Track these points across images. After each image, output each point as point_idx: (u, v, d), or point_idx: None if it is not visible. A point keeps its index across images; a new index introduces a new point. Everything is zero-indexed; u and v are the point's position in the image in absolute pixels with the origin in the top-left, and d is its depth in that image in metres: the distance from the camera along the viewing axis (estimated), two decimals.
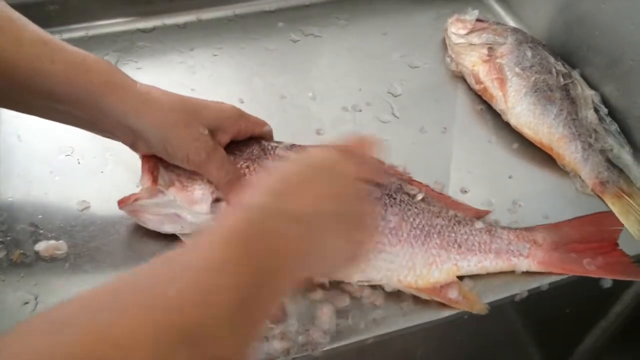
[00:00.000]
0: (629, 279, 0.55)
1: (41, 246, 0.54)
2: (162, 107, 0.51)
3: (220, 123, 0.54)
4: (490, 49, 0.74)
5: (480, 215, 0.59)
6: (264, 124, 0.59)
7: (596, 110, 0.69)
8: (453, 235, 0.54)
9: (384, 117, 0.71)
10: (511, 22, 0.85)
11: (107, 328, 0.27)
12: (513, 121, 0.69)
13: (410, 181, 0.59)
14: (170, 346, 0.28)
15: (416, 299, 0.53)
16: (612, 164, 0.66)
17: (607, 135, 0.67)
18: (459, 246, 0.54)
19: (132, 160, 0.56)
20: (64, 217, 0.57)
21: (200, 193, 0.53)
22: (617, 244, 0.55)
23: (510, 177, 0.66)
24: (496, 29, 0.76)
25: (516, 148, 0.69)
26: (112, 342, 0.27)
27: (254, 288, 0.34)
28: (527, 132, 0.68)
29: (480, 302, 0.52)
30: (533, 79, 0.70)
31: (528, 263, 0.54)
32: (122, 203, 0.53)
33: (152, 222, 0.54)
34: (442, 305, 0.53)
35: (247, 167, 0.55)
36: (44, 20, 0.69)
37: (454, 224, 0.55)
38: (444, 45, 0.80)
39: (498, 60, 0.73)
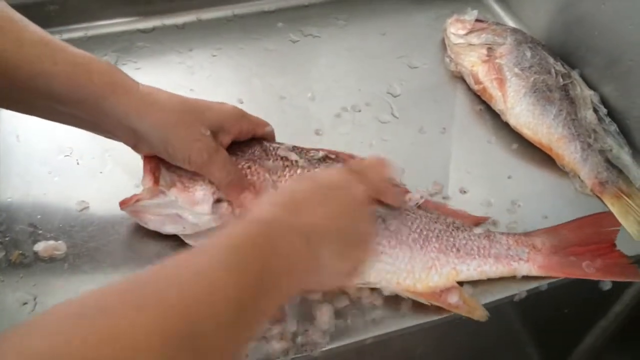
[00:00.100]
0: (628, 280, 0.55)
1: (40, 246, 0.54)
2: (164, 107, 0.51)
3: (222, 124, 0.54)
4: (489, 49, 0.74)
5: (478, 222, 0.59)
6: (265, 124, 0.59)
7: (595, 111, 0.69)
8: (452, 239, 0.54)
9: (383, 118, 0.71)
10: (510, 23, 0.86)
11: (115, 329, 0.28)
12: (512, 121, 0.69)
13: (405, 192, 0.59)
14: (177, 347, 0.28)
15: (415, 300, 0.53)
16: (612, 164, 0.66)
17: (606, 136, 0.67)
18: (458, 250, 0.54)
19: (131, 160, 0.56)
20: (63, 218, 0.57)
21: (202, 194, 0.53)
22: (614, 245, 0.55)
23: (509, 177, 0.66)
24: (495, 29, 0.76)
25: (515, 148, 0.69)
26: (120, 342, 0.27)
27: (256, 296, 0.34)
28: (527, 132, 0.68)
29: (480, 308, 0.52)
30: (532, 79, 0.70)
31: (528, 267, 0.54)
32: (123, 204, 0.53)
33: (154, 222, 0.54)
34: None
35: (249, 167, 0.55)
36: (44, 20, 0.69)
37: (453, 229, 0.55)
38: (443, 45, 0.80)
39: (497, 61, 0.73)
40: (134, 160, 0.56)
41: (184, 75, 0.74)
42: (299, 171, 0.56)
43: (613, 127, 0.69)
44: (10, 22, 0.47)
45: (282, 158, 0.56)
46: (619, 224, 0.60)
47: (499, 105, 0.71)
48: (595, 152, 0.65)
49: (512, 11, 0.87)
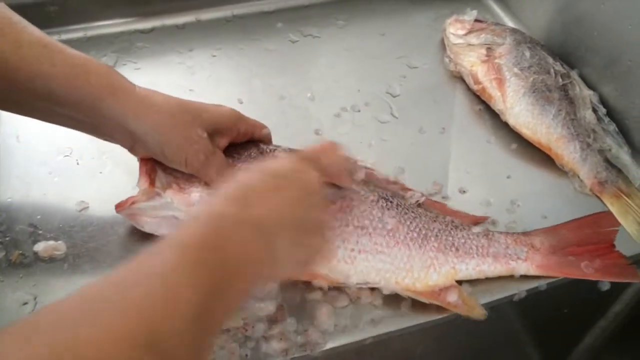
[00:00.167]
0: (626, 280, 0.55)
1: (40, 247, 0.54)
2: (161, 110, 0.51)
3: (218, 126, 0.54)
4: (488, 49, 0.74)
5: (477, 221, 0.59)
6: (262, 126, 0.59)
7: (594, 111, 0.70)
8: (450, 238, 0.54)
9: (383, 118, 0.71)
10: (510, 23, 0.86)
11: (71, 339, 0.27)
12: (511, 121, 0.69)
13: (404, 189, 0.59)
14: (133, 353, 0.28)
15: (415, 299, 0.53)
16: (611, 164, 0.66)
17: (605, 135, 0.67)
18: (457, 249, 0.54)
19: (130, 161, 0.56)
20: (62, 218, 0.57)
21: (198, 195, 0.53)
22: (613, 245, 0.55)
23: (508, 177, 0.66)
24: (495, 30, 0.77)
25: (515, 148, 0.69)
26: (76, 353, 0.27)
27: (215, 292, 0.34)
28: (526, 132, 0.68)
29: (479, 307, 0.52)
30: (531, 79, 0.70)
31: (526, 267, 0.54)
32: (119, 207, 0.54)
33: (150, 224, 0.54)
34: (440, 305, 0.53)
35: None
36: (43, 21, 0.70)
37: (451, 229, 0.55)
38: (443, 45, 0.80)
39: (496, 61, 0.73)
40: (134, 161, 0.56)
41: (183, 76, 0.74)
42: None
43: (612, 127, 0.69)
44: (9, 24, 0.47)
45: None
46: (618, 224, 0.60)
47: (498, 105, 0.71)
48: (594, 152, 0.65)
49: (512, 11, 0.87)
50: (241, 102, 0.70)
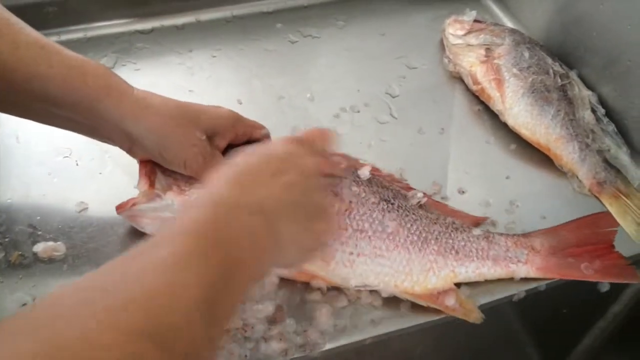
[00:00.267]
0: (626, 281, 0.55)
1: (39, 247, 0.54)
2: (159, 112, 0.51)
3: (217, 128, 0.54)
4: (487, 49, 0.74)
5: (478, 222, 0.59)
6: (261, 127, 0.59)
7: (593, 111, 0.70)
8: (450, 241, 0.54)
9: (382, 118, 0.71)
10: (509, 23, 0.86)
11: (73, 332, 0.27)
12: (510, 122, 0.69)
13: (408, 189, 0.58)
14: (138, 346, 0.28)
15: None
16: (610, 165, 0.66)
17: (604, 136, 0.68)
18: (457, 252, 0.54)
19: (130, 162, 0.56)
20: (62, 219, 0.57)
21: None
22: (613, 246, 0.55)
23: (507, 177, 0.66)
24: (494, 30, 0.77)
25: (514, 149, 0.69)
26: (79, 345, 0.26)
27: (220, 281, 0.34)
28: (525, 132, 0.68)
29: (476, 311, 0.52)
30: (530, 79, 0.70)
31: (526, 269, 0.54)
32: (120, 208, 0.53)
33: (150, 226, 0.54)
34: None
35: None
36: (43, 21, 0.70)
37: (452, 231, 0.55)
38: (442, 46, 0.80)
39: (496, 61, 0.73)
40: (133, 162, 0.56)
41: (183, 76, 0.74)
42: None
43: (611, 127, 0.69)
44: (6, 25, 0.47)
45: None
46: (617, 224, 0.60)
47: (497, 105, 0.71)
48: (593, 152, 0.66)
49: (511, 12, 0.87)
50: (241, 103, 0.71)
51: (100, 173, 0.62)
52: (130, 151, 0.54)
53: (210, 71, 0.75)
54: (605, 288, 0.55)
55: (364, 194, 0.54)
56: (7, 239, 0.55)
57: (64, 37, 0.76)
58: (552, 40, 0.78)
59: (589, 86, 0.73)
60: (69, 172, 0.62)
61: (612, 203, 0.63)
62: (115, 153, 0.56)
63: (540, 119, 0.68)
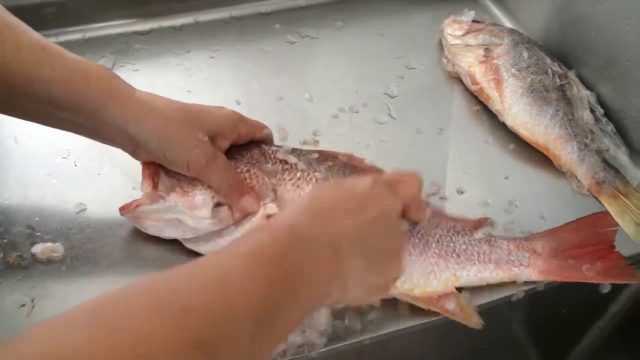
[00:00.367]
0: (626, 282, 0.54)
1: (38, 249, 0.54)
2: (162, 114, 0.51)
3: (220, 128, 0.54)
4: (486, 49, 0.74)
5: (479, 224, 0.58)
6: (263, 127, 0.59)
7: (592, 111, 0.70)
8: (452, 245, 0.54)
9: (381, 119, 0.71)
10: (507, 23, 0.86)
11: (124, 333, 0.27)
12: (509, 122, 0.69)
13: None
14: (193, 354, 0.28)
15: None
16: (608, 164, 0.66)
17: (603, 136, 0.68)
18: (458, 256, 0.54)
19: (128, 162, 0.56)
20: (60, 220, 0.57)
21: (201, 198, 0.53)
22: (613, 246, 0.55)
23: (506, 177, 0.66)
24: (492, 30, 0.77)
25: (512, 149, 0.69)
26: (127, 347, 0.27)
27: (279, 302, 0.34)
28: (524, 132, 0.68)
29: (476, 315, 0.51)
30: (529, 79, 0.70)
31: (529, 272, 0.54)
32: (123, 210, 0.53)
33: (154, 227, 0.54)
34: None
35: (248, 171, 0.55)
36: (41, 22, 0.70)
37: (453, 234, 0.55)
38: (441, 46, 0.81)
39: (494, 61, 0.73)
40: (132, 163, 0.55)
41: (181, 77, 0.74)
42: (298, 174, 0.55)
43: (610, 127, 0.69)
44: (9, 28, 0.47)
45: (281, 161, 0.56)
46: (617, 223, 0.59)
47: (496, 105, 0.71)
48: (592, 152, 0.66)
49: (509, 12, 0.87)
50: (239, 104, 0.70)
51: (99, 174, 0.62)
52: (134, 154, 0.54)
53: (208, 72, 0.75)
54: (606, 289, 0.55)
55: None
56: (5, 240, 0.55)
57: (62, 38, 0.76)
58: (550, 40, 0.78)
59: (587, 86, 0.73)
60: (67, 173, 0.62)
61: (611, 203, 0.63)
62: (114, 154, 0.56)
63: (539, 118, 0.68)
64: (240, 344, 0.31)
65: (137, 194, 0.55)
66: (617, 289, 0.62)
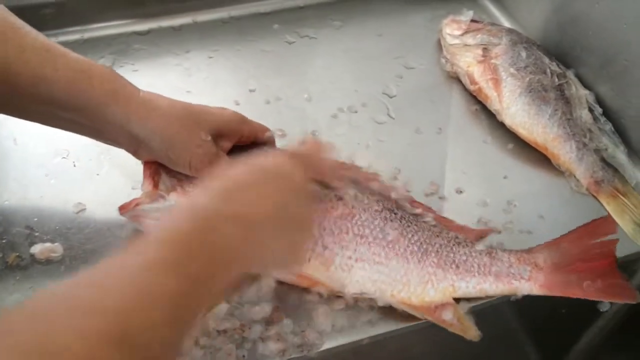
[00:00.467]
0: (625, 301, 0.54)
1: (37, 249, 0.54)
2: (165, 114, 0.51)
3: (222, 129, 0.54)
4: (485, 49, 0.74)
5: (482, 235, 0.58)
6: (265, 129, 0.59)
7: (591, 110, 0.70)
8: (451, 255, 0.54)
9: (380, 118, 0.71)
10: (506, 23, 0.86)
11: (41, 338, 0.27)
12: (508, 121, 0.69)
13: (412, 202, 0.58)
14: (103, 353, 0.27)
15: None
16: (607, 164, 0.66)
17: (601, 135, 0.68)
18: (457, 267, 0.53)
19: (127, 162, 0.56)
20: (59, 220, 0.57)
21: None
22: (615, 260, 0.54)
23: (505, 177, 0.66)
24: (491, 30, 0.77)
25: (511, 148, 0.69)
26: (43, 352, 0.26)
27: (193, 288, 0.34)
28: (522, 132, 0.68)
29: (473, 328, 0.51)
30: (528, 79, 0.70)
31: (529, 286, 0.53)
32: (123, 209, 0.53)
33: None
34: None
35: None
36: (40, 23, 0.69)
37: (453, 245, 0.54)
38: (439, 46, 0.81)
39: (493, 61, 0.73)
40: (131, 162, 0.56)
41: (180, 77, 0.74)
42: None
43: (608, 127, 0.69)
44: (12, 29, 0.47)
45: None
46: (616, 230, 0.57)
47: (494, 105, 0.71)
48: (590, 152, 0.66)
49: (508, 12, 0.88)
50: (238, 104, 0.71)
51: (98, 174, 0.62)
52: (136, 153, 0.54)
53: (207, 72, 0.75)
54: (605, 308, 0.55)
55: (367, 201, 0.54)
56: (4, 241, 0.55)
57: (61, 39, 0.76)
58: (549, 39, 0.79)
59: (586, 85, 0.73)
60: (66, 174, 0.62)
61: (610, 202, 0.63)
62: (113, 154, 0.57)
63: (537, 118, 0.68)
64: (159, 330, 0.31)
65: (137, 194, 0.55)
66: None
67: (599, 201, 0.64)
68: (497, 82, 0.71)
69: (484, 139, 0.70)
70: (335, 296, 0.53)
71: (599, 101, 0.71)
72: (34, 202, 0.59)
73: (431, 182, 0.63)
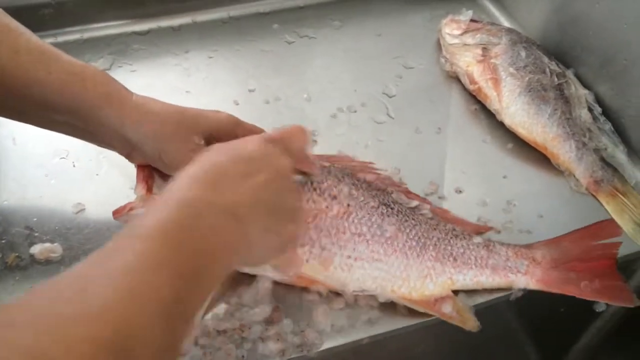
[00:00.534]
0: (621, 304, 0.54)
1: (36, 249, 0.54)
2: (158, 117, 0.51)
3: (216, 132, 0.54)
4: (484, 49, 0.74)
5: (480, 231, 0.58)
6: (260, 131, 0.58)
7: (590, 110, 0.70)
8: (449, 248, 0.54)
9: (379, 118, 0.71)
10: (505, 23, 0.86)
11: (24, 341, 0.26)
12: (507, 121, 0.69)
13: (408, 193, 0.58)
14: (108, 352, 0.27)
15: None
16: (606, 163, 0.66)
17: (601, 135, 0.68)
18: (455, 260, 0.53)
19: (126, 163, 0.56)
20: (59, 220, 0.57)
21: None
22: (616, 262, 0.54)
23: (504, 176, 0.66)
24: (490, 29, 0.77)
25: (511, 148, 0.69)
26: (48, 354, 0.25)
27: (186, 281, 0.33)
28: (522, 131, 0.68)
29: (472, 319, 0.51)
30: (527, 78, 0.70)
31: (526, 280, 0.53)
32: (117, 213, 0.53)
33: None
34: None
35: None
36: (39, 23, 0.70)
37: (451, 238, 0.54)
38: (439, 45, 0.81)
39: (492, 61, 0.73)
40: (130, 163, 0.56)
41: (180, 77, 0.74)
42: None
43: (608, 126, 0.69)
44: (6, 31, 0.47)
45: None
46: (620, 233, 0.57)
47: (494, 105, 0.71)
48: (590, 151, 0.66)
49: (507, 11, 0.88)
50: (237, 104, 0.70)
51: (97, 174, 0.62)
52: (129, 157, 0.54)
53: (206, 72, 0.75)
54: (601, 308, 0.55)
55: (362, 198, 0.54)
56: (3, 241, 0.55)
57: (60, 39, 0.76)
58: (548, 39, 0.79)
59: (585, 85, 0.73)
60: (65, 174, 0.62)
61: (609, 202, 0.63)
62: (112, 154, 0.56)
63: (537, 118, 0.68)
64: (153, 329, 0.30)
65: (135, 195, 0.55)
66: None
67: (598, 201, 0.64)
68: (496, 81, 0.71)
69: (483, 139, 0.70)
70: (334, 295, 0.53)
71: (599, 101, 0.71)
72: (34, 202, 0.59)
73: (430, 182, 0.63)
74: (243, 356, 0.48)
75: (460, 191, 0.64)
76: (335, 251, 0.52)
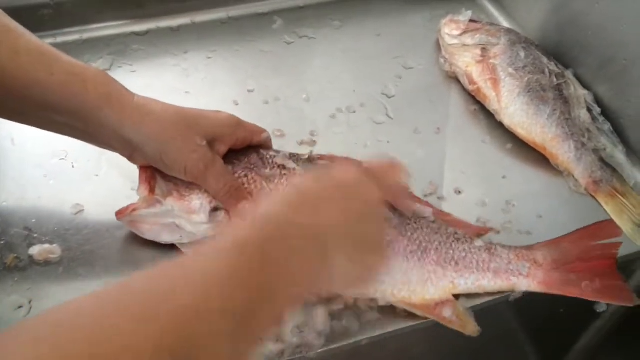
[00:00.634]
0: (621, 304, 0.54)
1: (35, 250, 0.54)
2: (159, 119, 0.51)
3: (218, 133, 0.53)
4: (483, 49, 0.74)
5: (481, 232, 0.58)
6: (262, 131, 0.58)
7: (589, 110, 0.70)
8: (451, 252, 0.53)
9: (378, 118, 0.71)
10: (504, 23, 0.86)
11: (84, 344, 0.26)
12: (506, 121, 0.69)
13: (411, 197, 0.58)
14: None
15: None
16: (606, 163, 0.66)
17: (600, 135, 0.68)
18: (456, 264, 0.53)
19: (126, 164, 0.56)
20: (58, 221, 0.57)
21: (199, 202, 0.53)
22: (616, 262, 0.54)
23: (504, 177, 0.66)
24: (489, 30, 0.77)
25: (510, 148, 0.69)
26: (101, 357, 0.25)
27: (261, 299, 0.33)
28: (521, 132, 0.68)
29: (473, 324, 0.51)
30: (526, 79, 0.70)
31: (528, 283, 0.53)
32: (120, 214, 0.53)
33: (150, 232, 0.54)
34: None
35: (246, 176, 0.55)
36: (38, 24, 0.70)
37: (453, 241, 0.54)
38: (438, 46, 0.81)
39: (491, 61, 0.73)
40: (129, 164, 0.55)
41: (179, 78, 0.74)
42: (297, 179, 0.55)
43: (607, 126, 0.69)
44: (6, 31, 0.47)
45: (279, 166, 0.56)
46: (620, 233, 0.58)
47: (493, 105, 0.71)
48: (589, 151, 0.66)
49: (506, 11, 0.88)
50: (237, 104, 0.70)
51: (97, 175, 0.62)
52: (130, 158, 0.53)
53: (205, 72, 0.75)
54: (602, 309, 0.55)
55: None
56: (2, 242, 0.55)
57: (59, 39, 0.76)
58: (547, 39, 0.79)
59: (584, 85, 0.73)
60: (65, 175, 0.61)
61: (609, 202, 0.63)
62: (112, 155, 0.56)
63: (536, 118, 0.68)
64: (218, 345, 0.29)
65: (135, 196, 0.54)
66: None
67: (597, 201, 0.64)
68: (495, 82, 0.71)
69: (482, 139, 0.70)
70: (334, 296, 0.53)
71: (598, 101, 0.71)
72: (32, 203, 0.59)
73: (430, 182, 0.63)
74: None
75: (460, 192, 0.64)
76: None
